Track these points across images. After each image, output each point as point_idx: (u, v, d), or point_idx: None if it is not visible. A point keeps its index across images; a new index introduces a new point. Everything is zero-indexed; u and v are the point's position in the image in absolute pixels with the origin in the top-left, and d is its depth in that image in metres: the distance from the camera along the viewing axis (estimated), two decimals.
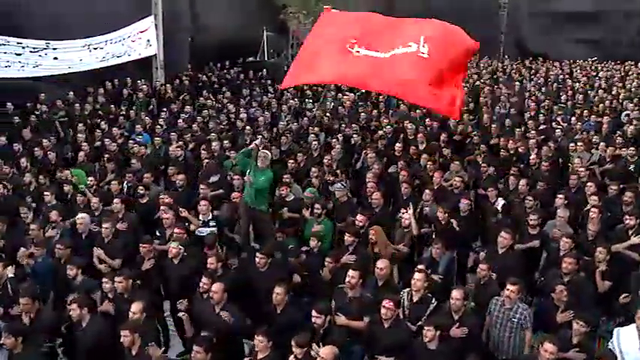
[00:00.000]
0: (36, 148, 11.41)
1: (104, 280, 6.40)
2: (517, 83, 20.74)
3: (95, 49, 15.66)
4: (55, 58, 14.50)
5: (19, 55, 13.73)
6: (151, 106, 16.39)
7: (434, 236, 7.43)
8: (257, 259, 6.66)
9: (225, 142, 11.72)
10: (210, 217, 8.20)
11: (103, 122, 13.52)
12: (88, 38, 15.41)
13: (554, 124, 14.56)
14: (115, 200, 8.52)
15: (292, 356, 4.99)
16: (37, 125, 13.28)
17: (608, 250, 6.80)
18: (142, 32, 17.68)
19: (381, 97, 17.81)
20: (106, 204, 8.69)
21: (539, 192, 9.37)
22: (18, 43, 13.66)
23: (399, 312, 5.74)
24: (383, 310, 5.57)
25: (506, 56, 30.34)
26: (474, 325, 5.81)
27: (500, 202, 8.86)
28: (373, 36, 9.19)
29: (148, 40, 18.02)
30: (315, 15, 25.45)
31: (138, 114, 15.02)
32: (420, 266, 6.40)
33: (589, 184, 8.96)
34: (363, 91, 19.40)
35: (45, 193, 9.09)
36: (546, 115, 15.21)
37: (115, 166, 10.45)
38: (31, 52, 13.86)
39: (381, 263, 6.41)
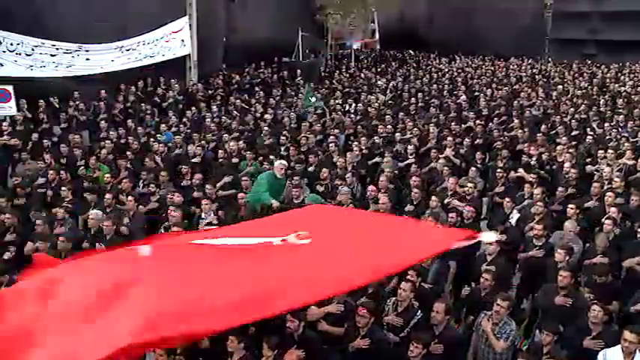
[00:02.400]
0: (62, 145, 11.77)
1: None
2: (559, 87, 20.13)
3: (127, 50, 16.08)
4: (88, 59, 14.97)
5: (54, 56, 14.25)
6: (181, 105, 16.67)
7: None
8: None
9: (240, 143, 11.80)
10: (212, 216, 8.28)
11: (130, 120, 13.85)
12: (120, 41, 15.80)
13: (588, 129, 14.00)
14: (129, 198, 8.71)
15: (263, 359, 4.96)
16: (67, 122, 13.73)
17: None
18: (175, 32, 18.05)
19: (412, 99, 17.61)
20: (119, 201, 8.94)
21: (557, 200, 9.10)
22: (52, 45, 14.16)
23: (372, 319, 5.56)
24: (357, 318, 5.46)
25: (549, 58, 29.39)
26: (454, 341, 5.60)
27: (515, 215, 8.56)
28: None
29: (182, 40, 18.40)
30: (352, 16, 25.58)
31: (167, 113, 15.32)
32: (409, 276, 6.22)
33: (608, 194, 8.55)
34: (392, 93, 19.35)
35: (62, 188, 9.37)
36: (580, 121, 14.63)
37: (129, 163, 10.64)
38: (64, 53, 14.36)
39: None
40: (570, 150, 11.00)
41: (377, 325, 5.64)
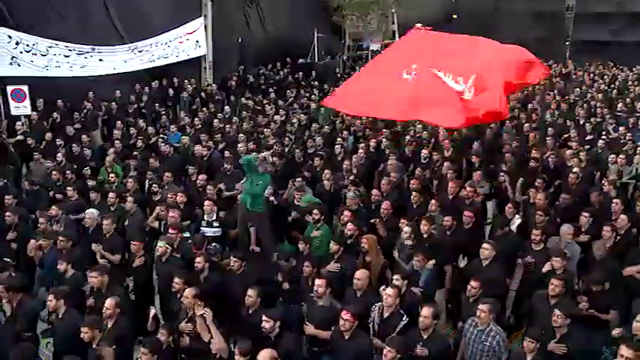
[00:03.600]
0: (74, 144, 11.97)
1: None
2: (577, 89, 19.78)
3: (140, 51, 16.29)
4: (101, 60, 15.23)
5: (67, 56, 14.51)
6: (194, 106, 16.82)
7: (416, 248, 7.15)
8: (231, 263, 6.70)
9: (250, 144, 11.87)
10: (214, 217, 8.34)
11: (141, 120, 14.03)
12: (133, 43, 16.03)
13: (603, 133, 13.74)
14: (129, 199, 8.83)
15: None
16: (81, 122, 13.96)
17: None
18: (189, 34, 18.22)
19: None
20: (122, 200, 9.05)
21: (561, 206, 8.96)
22: (65, 46, 14.43)
23: (356, 323, 5.54)
24: (341, 322, 5.44)
25: (569, 60, 28.86)
26: (441, 347, 5.55)
27: (517, 220, 8.45)
28: (439, 57, 10.34)
29: (197, 41, 18.58)
30: (369, 17, 25.49)
31: (179, 113, 15.48)
32: (394, 281, 6.18)
33: (615, 200, 8.36)
34: None
35: (68, 188, 9.53)
36: (594, 125, 14.35)
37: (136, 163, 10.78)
38: (77, 54, 14.62)
39: (359, 274, 6.27)
40: (579, 155, 10.77)
41: (362, 329, 5.62)
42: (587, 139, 13.17)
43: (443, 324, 7.24)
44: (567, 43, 30.20)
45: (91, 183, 10.13)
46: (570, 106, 17.05)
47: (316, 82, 20.98)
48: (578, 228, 8.03)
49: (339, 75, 23.33)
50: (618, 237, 7.65)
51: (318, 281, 6.05)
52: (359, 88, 11.00)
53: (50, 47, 14.23)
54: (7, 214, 8.37)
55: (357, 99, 10.72)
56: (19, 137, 12.44)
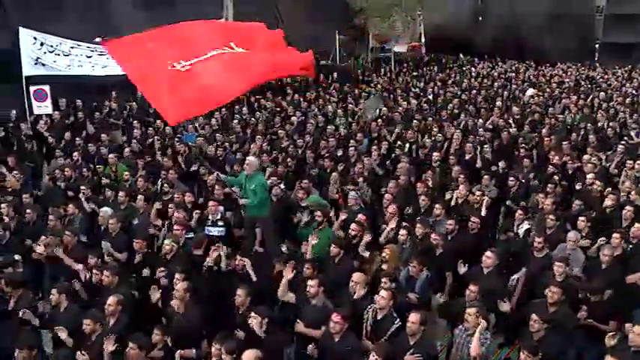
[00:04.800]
0: (90, 144, 12.24)
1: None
2: (601, 93, 19.35)
3: None
4: None
5: (89, 57, 14.83)
6: None
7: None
8: (236, 262, 6.79)
9: (264, 144, 11.96)
10: (219, 217, 8.44)
11: (159, 120, 14.23)
12: None
13: (626, 138, 13.41)
14: (139, 197, 9.00)
15: None
16: (101, 121, 14.26)
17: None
18: None
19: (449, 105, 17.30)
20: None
21: (574, 213, 8.78)
22: (88, 46, 14.76)
23: (346, 325, 5.55)
24: (331, 324, 5.47)
25: (597, 63, 28.25)
26: (429, 352, 5.51)
27: (525, 225, 8.34)
28: (182, 47, 8.05)
29: None
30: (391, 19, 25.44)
31: None
32: (383, 284, 6.17)
33: (627, 207, 8.18)
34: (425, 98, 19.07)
35: (81, 187, 9.75)
36: (616, 129, 14.02)
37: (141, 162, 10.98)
38: (99, 55, 14.92)
39: (356, 277, 6.28)
40: (593, 160, 10.55)
41: (352, 331, 5.63)
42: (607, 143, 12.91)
43: (443, 330, 7.22)
44: (597, 45, 29.53)
45: (105, 181, 10.35)
46: (593, 109, 16.73)
47: (337, 84, 21.00)
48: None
49: (360, 77, 23.32)
50: (631, 246, 7.50)
51: (311, 281, 6.10)
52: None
53: (73, 48, 14.56)
54: (28, 211, 8.65)
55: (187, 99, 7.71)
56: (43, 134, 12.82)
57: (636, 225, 7.68)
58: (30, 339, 5.51)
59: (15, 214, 8.54)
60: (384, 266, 7.08)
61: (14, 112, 13.58)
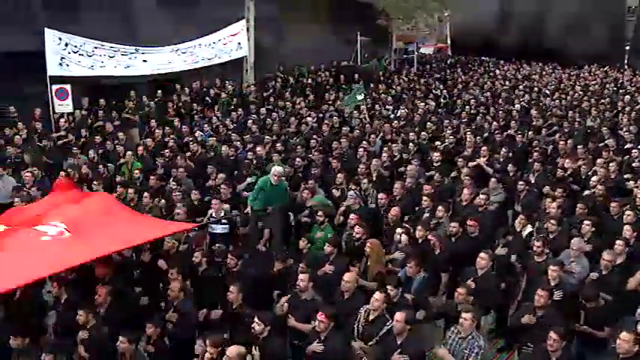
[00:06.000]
0: (108, 142, 12.56)
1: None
2: (626, 97, 18.92)
3: (184, 52, 16.87)
4: (145, 61, 15.88)
5: (112, 57, 15.23)
6: (232, 107, 17.21)
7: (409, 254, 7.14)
8: (228, 259, 6.92)
9: (278, 145, 12.11)
10: (222, 215, 8.60)
11: (177, 120, 14.54)
12: (176, 45, 16.64)
13: None
14: (145, 194, 9.22)
15: (207, 355, 5.15)
16: (120, 120, 14.62)
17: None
18: (233, 35, 18.69)
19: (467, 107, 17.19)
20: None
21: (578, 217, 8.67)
22: (111, 47, 15.15)
23: (330, 325, 5.62)
24: (316, 322, 5.55)
25: (627, 65, 27.56)
26: (416, 351, 5.53)
27: (528, 229, 8.27)
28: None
29: (239, 43, 19.01)
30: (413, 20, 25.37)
31: (214, 113, 15.93)
32: (390, 291, 6.22)
33: (627, 212, 8.05)
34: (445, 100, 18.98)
35: (94, 182, 10.04)
36: (636, 134, 13.71)
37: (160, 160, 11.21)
38: (122, 54, 15.32)
39: (347, 276, 6.35)
40: (604, 165, 10.37)
41: (337, 330, 5.70)
42: (625, 147, 12.65)
43: (440, 332, 7.23)
44: (627, 47, 28.84)
45: (119, 179, 10.62)
46: (617, 113, 16.40)
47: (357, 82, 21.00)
48: None
49: (382, 78, 23.30)
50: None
51: (301, 275, 6.21)
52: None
53: (96, 48, 14.97)
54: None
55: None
56: (62, 134, 13.21)
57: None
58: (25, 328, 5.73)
59: None
60: (369, 262, 7.17)
61: (38, 110, 14.01)
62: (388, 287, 6.29)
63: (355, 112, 16.03)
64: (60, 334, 6.12)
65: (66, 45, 14.71)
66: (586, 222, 7.86)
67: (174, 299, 6.21)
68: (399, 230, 7.41)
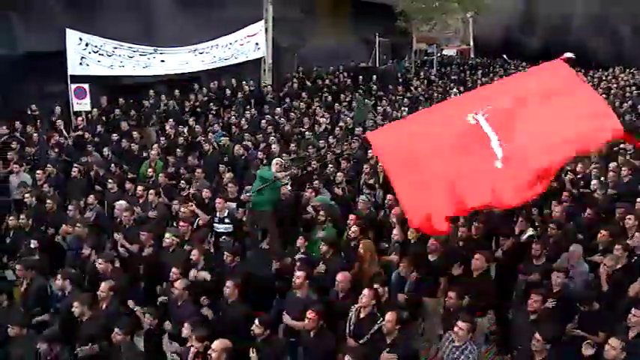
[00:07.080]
0: (124, 140, 12.81)
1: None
2: None
3: (201, 53, 17.12)
4: (163, 61, 16.18)
5: (131, 57, 15.55)
6: (248, 107, 17.38)
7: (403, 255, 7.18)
8: (225, 256, 7.04)
9: (292, 145, 12.23)
10: (226, 214, 8.72)
11: (192, 119, 14.76)
12: (194, 45, 16.88)
13: None
14: (150, 191, 9.41)
15: (193, 348, 5.27)
16: (137, 119, 14.89)
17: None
18: (250, 36, 18.87)
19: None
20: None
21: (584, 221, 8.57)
22: (130, 47, 15.47)
23: (320, 323, 5.69)
24: (306, 321, 5.62)
25: None
26: (407, 351, 5.57)
27: (529, 232, 8.21)
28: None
29: (257, 44, 19.19)
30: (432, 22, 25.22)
31: (230, 114, 16.12)
32: (376, 285, 6.26)
33: (628, 216, 7.91)
34: None
35: (109, 180, 10.27)
36: None
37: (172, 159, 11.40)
38: (140, 55, 15.64)
39: (341, 276, 6.40)
40: (615, 168, 10.21)
41: (329, 329, 5.77)
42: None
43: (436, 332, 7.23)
44: None
45: (131, 176, 10.84)
46: (638, 116, 16.12)
47: (375, 87, 21.04)
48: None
49: (400, 80, 23.26)
50: (635, 257, 7.26)
51: (297, 272, 6.29)
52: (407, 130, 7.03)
53: (115, 48, 15.31)
54: (48, 201, 9.23)
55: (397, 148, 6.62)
56: (79, 132, 13.53)
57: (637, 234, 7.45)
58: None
59: (37, 202, 9.14)
60: (364, 264, 7.20)
61: (58, 108, 14.34)
62: (375, 285, 6.32)
63: (370, 114, 16.08)
64: (61, 326, 6.28)
65: (86, 45, 15.06)
66: (603, 232, 7.64)
67: (178, 298, 6.33)
68: (395, 231, 7.42)
